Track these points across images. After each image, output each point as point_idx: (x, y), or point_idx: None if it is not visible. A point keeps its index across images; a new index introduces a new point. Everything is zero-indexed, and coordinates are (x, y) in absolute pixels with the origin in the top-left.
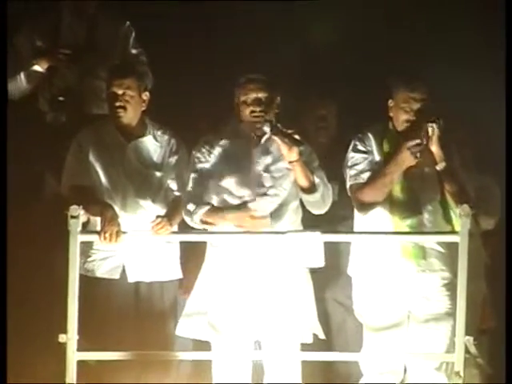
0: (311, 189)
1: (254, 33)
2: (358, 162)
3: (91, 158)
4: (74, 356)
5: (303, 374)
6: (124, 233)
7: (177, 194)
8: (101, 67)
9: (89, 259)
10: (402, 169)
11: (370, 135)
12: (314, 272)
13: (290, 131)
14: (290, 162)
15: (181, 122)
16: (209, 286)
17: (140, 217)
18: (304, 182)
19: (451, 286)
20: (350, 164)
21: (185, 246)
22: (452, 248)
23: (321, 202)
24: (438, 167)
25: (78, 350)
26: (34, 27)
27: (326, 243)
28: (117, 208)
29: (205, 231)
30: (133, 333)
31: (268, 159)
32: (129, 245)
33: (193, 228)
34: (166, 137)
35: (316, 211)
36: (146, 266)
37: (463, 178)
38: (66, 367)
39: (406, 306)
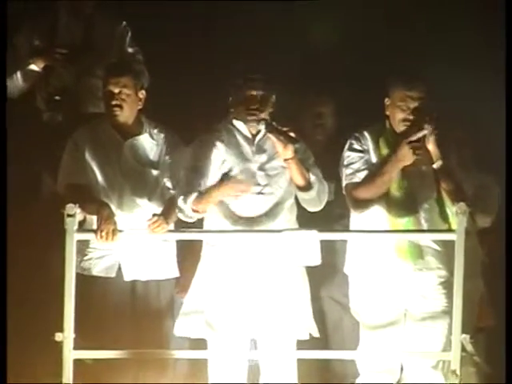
0: (307, 186)
1: (253, 33)
2: (354, 161)
3: (87, 156)
4: (70, 355)
5: (299, 373)
6: (120, 231)
7: (173, 192)
8: (97, 66)
9: (85, 258)
10: (401, 166)
11: (366, 134)
12: (310, 270)
13: (285, 129)
14: (286, 160)
15: (178, 121)
16: (205, 285)
17: (136, 215)
18: (299, 180)
19: (448, 285)
20: (345, 163)
21: (181, 244)
22: (448, 246)
23: (316, 200)
24: (435, 165)
25: (75, 348)
26: (31, 27)
27: (322, 242)
28: (113, 206)
29: (201, 230)
30: (129, 331)
31: (263, 157)
32: (125, 243)
33: (189, 225)
34: (163, 135)
35: (312, 209)
36: (142, 265)
37: (460, 177)
38: (63, 366)
39: (402, 305)
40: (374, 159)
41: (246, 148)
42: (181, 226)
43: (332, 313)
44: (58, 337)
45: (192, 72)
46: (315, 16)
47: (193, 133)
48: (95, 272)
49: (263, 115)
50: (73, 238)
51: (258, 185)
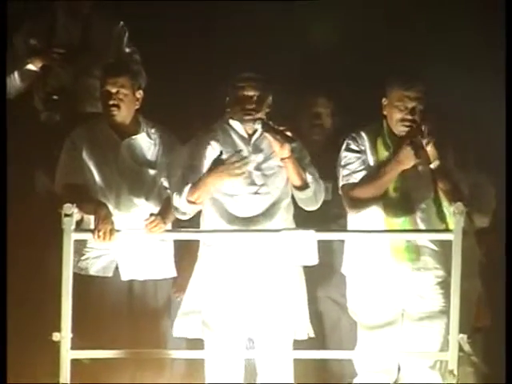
0: (303, 185)
1: (253, 33)
2: (351, 161)
3: (85, 156)
4: (67, 354)
5: (297, 373)
6: (118, 231)
7: (170, 191)
8: (95, 66)
9: (82, 257)
10: (401, 169)
11: (363, 134)
12: (308, 270)
13: (281, 128)
14: (282, 159)
15: (176, 121)
16: (202, 285)
17: (134, 215)
18: (296, 179)
19: (445, 284)
20: (343, 163)
21: (179, 244)
22: (446, 246)
23: (313, 199)
24: (432, 165)
25: (72, 348)
26: (28, 27)
27: (319, 242)
28: (110, 206)
29: (199, 230)
30: (126, 331)
31: (259, 157)
32: (122, 243)
33: (186, 225)
34: (160, 134)
35: (308, 208)
36: (139, 265)
37: (457, 176)
38: (60, 365)
39: (400, 305)
40: (371, 159)
41: (243, 148)
42: (178, 225)
43: (330, 313)
44: (56, 336)
45: (190, 72)
46: (315, 16)
47: (191, 132)
48: (92, 272)
49: (259, 115)
50: (70, 237)
51: (255, 184)
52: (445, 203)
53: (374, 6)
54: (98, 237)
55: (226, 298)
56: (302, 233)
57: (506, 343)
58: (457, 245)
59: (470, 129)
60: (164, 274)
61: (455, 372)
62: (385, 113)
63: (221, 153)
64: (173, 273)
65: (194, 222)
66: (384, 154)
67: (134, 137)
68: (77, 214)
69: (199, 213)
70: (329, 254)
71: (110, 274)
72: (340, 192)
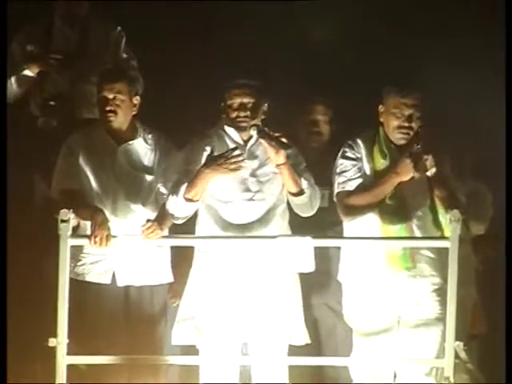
0: (299, 192)
1: (252, 33)
2: (346, 168)
3: (81, 161)
4: (63, 360)
5: (292, 380)
6: (114, 237)
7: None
8: (92, 72)
9: (79, 263)
10: (398, 181)
11: (359, 142)
12: (304, 277)
13: (276, 134)
14: (278, 165)
15: (175, 126)
16: (197, 292)
17: (130, 221)
18: (291, 185)
19: (441, 292)
20: (338, 171)
21: (175, 249)
22: (442, 253)
23: (308, 205)
24: (429, 173)
25: (68, 353)
26: (25, 32)
27: (316, 249)
28: (107, 212)
29: (195, 236)
30: (123, 337)
31: (254, 163)
32: (119, 249)
33: (183, 231)
34: (157, 140)
35: (304, 214)
36: (136, 271)
37: (453, 184)
38: (56, 371)
39: (395, 312)
40: (367, 167)
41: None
42: (175, 231)
43: (325, 319)
44: (52, 342)
45: (188, 76)
46: (315, 16)
47: (188, 138)
48: (89, 277)
49: (254, 122)
50: (66, 243)
51: (250, 191)
52: (441, 210)
53: (374, 6)
54: (95, 243)
55: (221, 304)
56: (298, 239)
57: (505, 350)
58: (453, 252)
59: (468, 134)
60: (160, 279)
61: (451, 379)
62: (381, 120)
63: (213, 149)
64: (169, 278)
65: (190, 228)
66: (380, 161)
67: (130, 142)
68: (73, 220)
69: (195, 220)
70: (325, 260)
71: (107, 281)
72: (335, 199)
